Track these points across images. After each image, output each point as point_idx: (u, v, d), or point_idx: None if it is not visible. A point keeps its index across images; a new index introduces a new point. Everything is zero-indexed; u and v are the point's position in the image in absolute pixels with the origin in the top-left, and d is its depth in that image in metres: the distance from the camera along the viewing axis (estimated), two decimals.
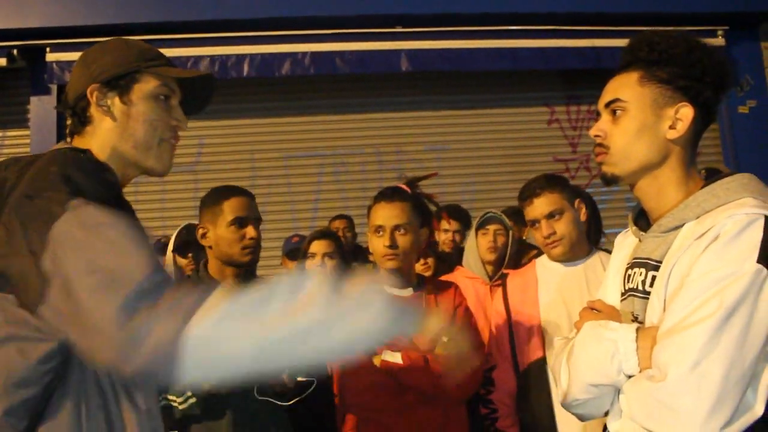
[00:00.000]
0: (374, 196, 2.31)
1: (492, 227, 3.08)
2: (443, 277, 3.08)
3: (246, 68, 5.06)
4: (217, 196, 2.28)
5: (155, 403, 1.26)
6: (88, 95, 1.31)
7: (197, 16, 5.03)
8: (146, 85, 1.34)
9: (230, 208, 2.23)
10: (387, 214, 2.20)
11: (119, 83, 1.33)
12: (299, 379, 2.15)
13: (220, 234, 2.22)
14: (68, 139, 1.37)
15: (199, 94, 1.47)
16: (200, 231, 2.27)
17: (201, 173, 5.35)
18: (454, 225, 3.75)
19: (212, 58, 5.03)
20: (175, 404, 2.12)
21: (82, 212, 1.07)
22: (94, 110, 1.33)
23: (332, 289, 1.04)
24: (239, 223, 2.22)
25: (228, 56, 5.05)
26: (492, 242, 3.05)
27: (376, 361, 2.11)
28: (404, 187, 2.31)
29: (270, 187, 5.30)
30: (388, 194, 2.25)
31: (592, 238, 2.54)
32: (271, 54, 5.10)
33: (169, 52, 5.10)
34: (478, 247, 3.08)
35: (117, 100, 1.32)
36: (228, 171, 5.32)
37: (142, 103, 1.33)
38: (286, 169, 5.49)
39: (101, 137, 1.32)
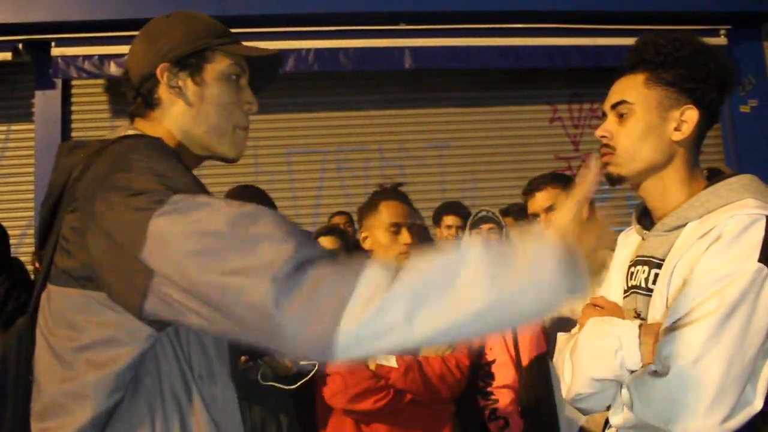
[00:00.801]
0: (375, 193, 2.33)
1: (485, 226, 3.08)
2: None
3: None
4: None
5: (231, 388, 1.19)
6: (158, 75, 1.19)
7: (201, 11, 5.03)
8: (219, 65, 1.22)
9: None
10: (404, 212, 2.22)
11: (190, 62, 1.20)
12: (302, 362, 2.17)
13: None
14: (131, 123, 1.23)
15: (264, 72, 1.34)
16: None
17: (204, 168, 5.32)
18: (455, 221, 3.76)
19: None
20: None
21: (183, 205, 0.97)
22: (163, 92, 1.20)
23: (496, 257, 0.90)
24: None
25: None
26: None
27: (371, 365, 2.11)
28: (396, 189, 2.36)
29: (273, 183, 5.31)
30: (400, 195, 2.29)
31: None
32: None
33: None
34: None
35: (189, 80, 1.20)
36: (231, 167, 5.27)
37: (216, 85, 1.21)
38: (289, 165, 5.50)
39: (172, 122, 1.21)
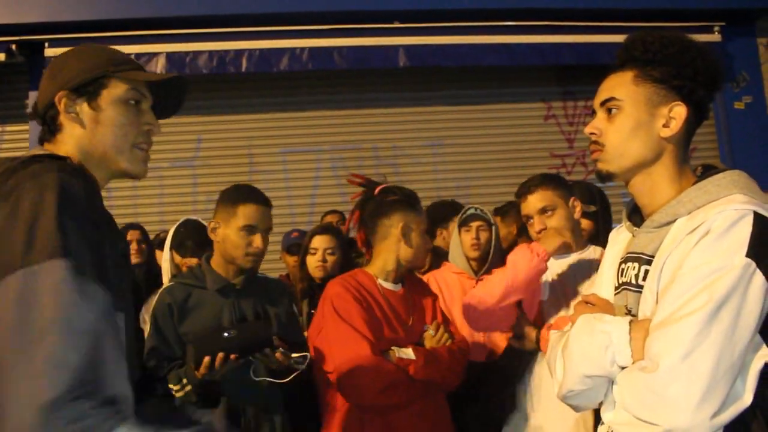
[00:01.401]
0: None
1: (474, 224, 3.07)
2: (431, 272, 3.13)
3: (244, 64, 5.07)
4: (235, 197, 2.32)
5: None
6: (57, 103, 1.30)
7: (195, 11, 5.03)
8: (115, 90, 1.33)
9: (243, 213, 2.27)
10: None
11: (87, 89, 1.31)
12: (294, 355, 2.18)
13: (229, 235, 2.26)
14: (41, 146, 1.34)
15: (172, 96, 1.45)
16: (211, 225, 2.32)
17: (199, 168, 5.37)
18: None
19: (210, 54, 5.04)
20: (174, 392, 2.15)
21: (54, 280, 1.00)
22: (63, 118, 1.31)
23: None
24: (249, 230, 2.26)
25: (226, 52, 5.06)
26: (475, 239, 3.04)
27: (393, 358, 2.14)
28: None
29: (268, 182, 5.32)
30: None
31: (601, 234, 2.58)
32: (269, 49, 5.12)
33: (167, 47, 5.10)
34: (461, 243, 3.09)
35: (86, 106, 1.31)
36: (226, 166, 5.34)
37: (111, 108, 1.32)
38: (284, 164, 5.51)
39: (72, 144, 1.31)
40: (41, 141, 1.36)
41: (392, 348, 2.17)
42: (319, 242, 3.28)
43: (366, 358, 2.07)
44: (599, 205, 2.91)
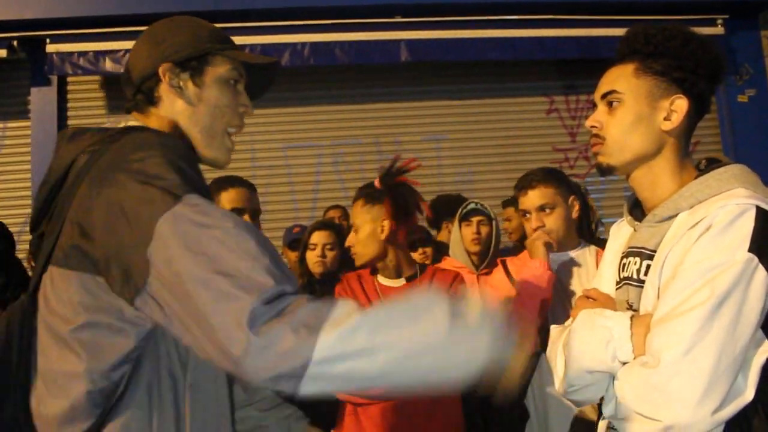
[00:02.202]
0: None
1: (475, 218, 3.08)
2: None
3: None
4: (216, 188, 2.29)
5: (226, 390, 1.21)
6: (160, 74, 1.24)
7: (196, 6, 5.01)
8: (219, 69, 1.28)
9: (227, 200, 2.25)
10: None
11: (191, 64, 1.26)
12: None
13: None
14: (131, 116, 1.29)
15: (261, 79, 1.41)
16: None
17: (201, 164, 5.36)
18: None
19: None
20: None
21: (198, 209, 1.02)
22: (164, 90, 1.26)
23: (452, 310, 0.99)
24: (236, 214, 2.25)
25: None
26: (475, 233, 3.05)
27: None
28: (377, 184, 2.33)
29: (270, 177, 5.32)
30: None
31: (585, 233, 2.56)
32: (270, 44, 5.10)
33: None
34: (462, 238, 3.09)
35: (190, 82, 1.26)
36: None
37: (215, 87, 1.28)
38: (286, 159, 5.50)
39: (170, 118, 1.26)
40: (129, 110, 1.30)
41: None
42: (318, 238, 3.27)
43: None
44: (580, 202, 2.88)
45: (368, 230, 2.24)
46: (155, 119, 1.26)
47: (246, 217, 2.24)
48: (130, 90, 1.30)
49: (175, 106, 1.26)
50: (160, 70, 1.25)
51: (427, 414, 2.18)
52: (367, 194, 2.30)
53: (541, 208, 2.32)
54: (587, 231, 2.64)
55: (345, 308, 0.97)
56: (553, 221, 2.32)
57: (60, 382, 1.08)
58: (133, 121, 1.26)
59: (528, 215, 2.36)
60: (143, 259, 1.00)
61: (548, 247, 2.28)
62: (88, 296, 1.06)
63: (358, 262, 2.30)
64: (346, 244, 2.33)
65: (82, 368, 1.05)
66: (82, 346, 1.06)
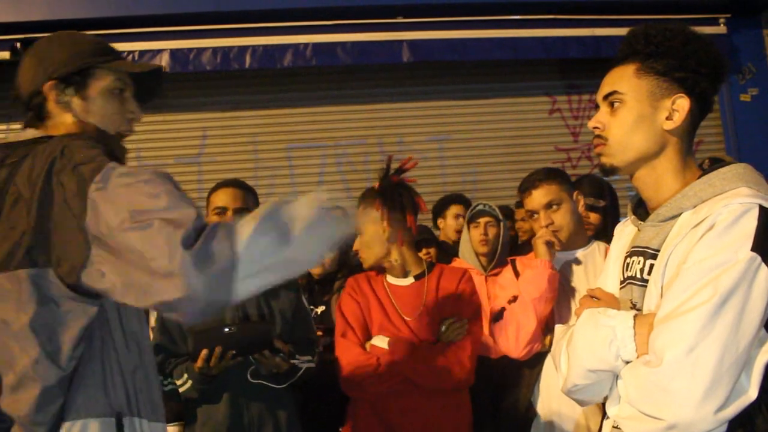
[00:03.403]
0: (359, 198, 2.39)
1: (483, 220, 3.09)
2: None
3: (248, 60, 5.06)
4: (210, 193, 2.41)
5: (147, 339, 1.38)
6: (45, 92, 1.32)
7: (198, 7, 5.03)
8: (102, 81, 1.36)
9: (213, 201, 2.35)
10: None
11: (75, 79, 1.34)
12: (292, 361, 2.19)
13: None
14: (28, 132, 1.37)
15: (151, 84, 1.49)
16: None
17: (204, 165, 5.37)
18: (462, 210, 3.75)
19: (214, 50, 5.03)
20: (178, 387, 2.16)
21: (119, 171, 1.13)
22: (52, 107, 1.34)
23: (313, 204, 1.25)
24: (219, 213, 2.30)
25: (230, 48, 5.05)
26: (483, 235, 3.07)
27: (367, 345, 2.23)
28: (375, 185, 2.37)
29: (273, 178, 5.32)
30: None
31: (609, 229, 2.58)
32: (272, 45, 5.11)
33: (170, 44, 5.10)
34: (470, 239, 3.10)
35: (76, 96, 1.34)
36: (231, 162, 5.33)
37: (100, 98, 1.36)
38: (289, 160, 5.50)
39: (63, 131, 1.33)
40: (26, 126, 1.37)
41: (373, 338, 2.24)
42: None
43: (349, 349, 2.21)
44: (608, 199, 2.90)
45: (371, 233, 2.27)
46: (52, 131, 1.33)
47: (228, 215, 2.31)
48: (21, 107, 1.39)
49: (64, 119, 1.34)
50: (45, 88, 1.32)
51: (437, 412, 2.19)
52: (366, 198, 2.32)
53: (548, 206, 2.33)
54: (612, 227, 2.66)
55: (246, 219, 1.14)
56: (561, 217, 2.33)
57: (30, 374, 1.16)
58: (34, 132, 1.34)
59: (535, 215, 2.36)
60: (83, 234, 1.11)
61: (550, 245, 2.29)
62: (37, 289, 1.16)
63: (365, 265, 2.34)
64: (354, 248, 2.36)
65: (49, 357, 1.16)
66: (43, 338, 1.16)
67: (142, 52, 4.96)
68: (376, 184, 2.35)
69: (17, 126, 5.32)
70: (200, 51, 5.02)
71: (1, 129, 5.41)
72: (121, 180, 1.12)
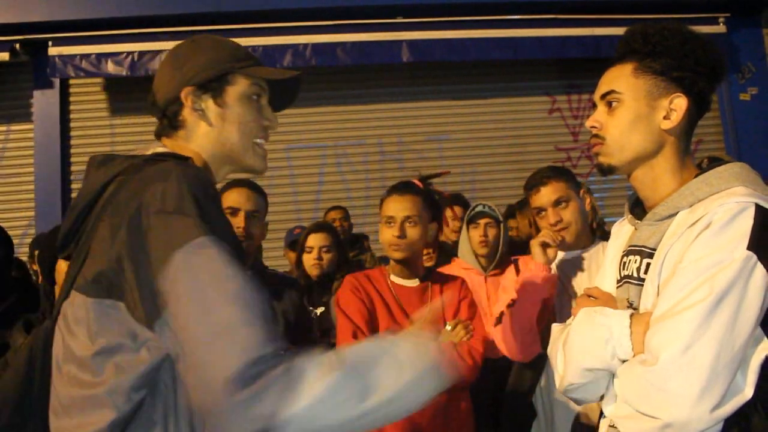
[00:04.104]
0: (388, 189, 2.36)
1: (482, 221, 3.09)
2: (441, 269, 3.12)
3: None
4: (223, 190, 2.34)
5: None
6: (183, 99, 1.26)
7: (197, 8, 5.04)
8: (239, 87, 1.29)
9: (225, 200, 2.29)
10: (398, 206, 2.25)
11: (212, 85, 1.27)
12: None
13: None
14: (160, 141, 1.30)
15: (286, 90, 1.41)
16: None
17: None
18: (461, 212, 3.75)
19: None
20: None
21: (212, 253, 1.02)
22: (188, 114, 1.27)
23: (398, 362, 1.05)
24: (231, 213, 2.27)
25: None
26: (483, 236, 3.06)
27: None
28: (417, 182, 2.36)
29: (273, 178, 5.33)
30: (401, 188, 2.32)
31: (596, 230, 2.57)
32: (272, 45, 5.12)
33: (170, 45, 5.14)
34: (470, 240, 3.10)
35: (211, 102, 1.27)
36: None
37: (237, 105, 1.28)
38: (289, 160, 5.51)
39: (197, 142, 1.27)
40: (158, 135, 1.31)
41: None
42: (314, 240, 3.28)
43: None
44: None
45: (418, 230, 2.26)
46: (183, 142, 1.28)
47: (240, 215, 2.27)
48: (156, 114, 1.31)
49: (199, 129, 1.27)
50: (182, 95, 1.26)
51: (439, 413, 2.18)
52: (407, 192, 2.32)
53: (557, 203, 2.32)
54: (598, 229, 2.65)
55: (321, 363, 0.99)
56: (570, 214, 2.32)
57: (80, 405, 1.08)
58: (160, 147, 1.27)
59: (543, 213, 2.36)
60: (157, 287, 1.02)
61: (545, 246, 2.29)
62: (108, 321, 1.07)
63: (399, 257, 2.28)
64: (395, 235, 2.28)
65: (102, 390, 1.05)
66: (104, 371, 1.06)
67: (142, 53, 4.96)
68: (416, 180, 2.37)
69: (17, 126, 5.37)
70: None
71: (1, 130, 5.43)
72: (208, 264, 1.02)
